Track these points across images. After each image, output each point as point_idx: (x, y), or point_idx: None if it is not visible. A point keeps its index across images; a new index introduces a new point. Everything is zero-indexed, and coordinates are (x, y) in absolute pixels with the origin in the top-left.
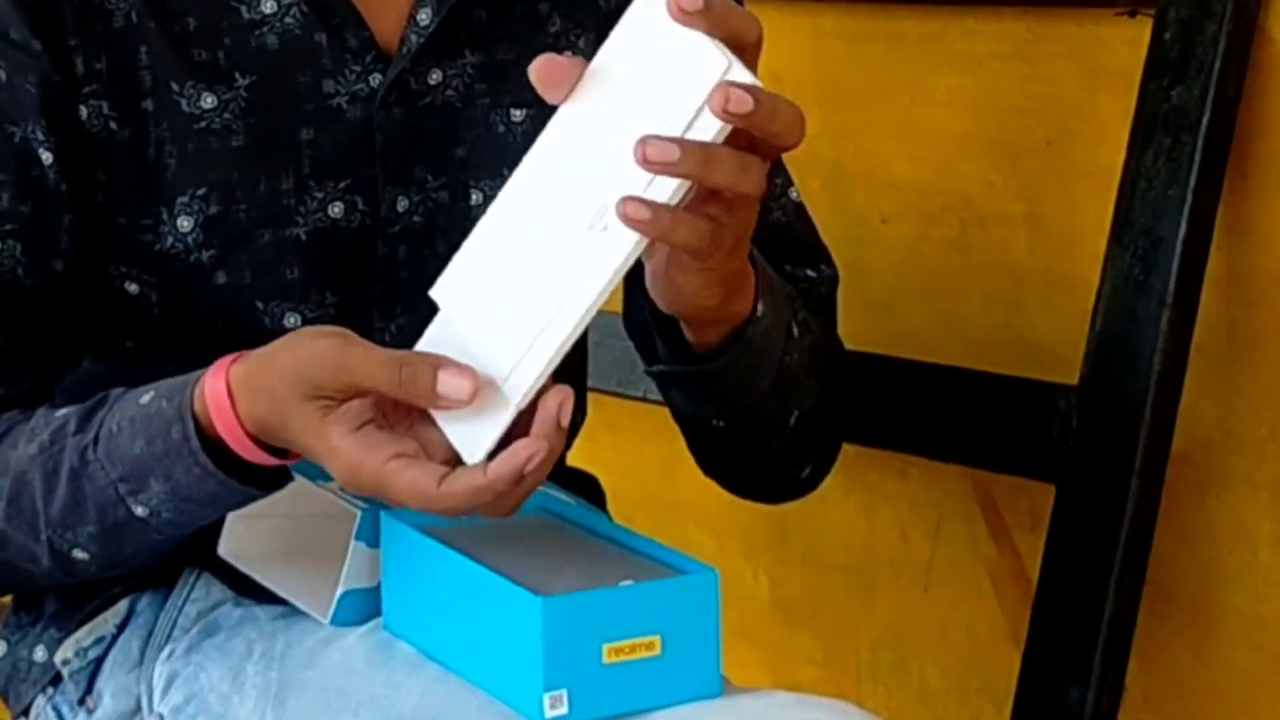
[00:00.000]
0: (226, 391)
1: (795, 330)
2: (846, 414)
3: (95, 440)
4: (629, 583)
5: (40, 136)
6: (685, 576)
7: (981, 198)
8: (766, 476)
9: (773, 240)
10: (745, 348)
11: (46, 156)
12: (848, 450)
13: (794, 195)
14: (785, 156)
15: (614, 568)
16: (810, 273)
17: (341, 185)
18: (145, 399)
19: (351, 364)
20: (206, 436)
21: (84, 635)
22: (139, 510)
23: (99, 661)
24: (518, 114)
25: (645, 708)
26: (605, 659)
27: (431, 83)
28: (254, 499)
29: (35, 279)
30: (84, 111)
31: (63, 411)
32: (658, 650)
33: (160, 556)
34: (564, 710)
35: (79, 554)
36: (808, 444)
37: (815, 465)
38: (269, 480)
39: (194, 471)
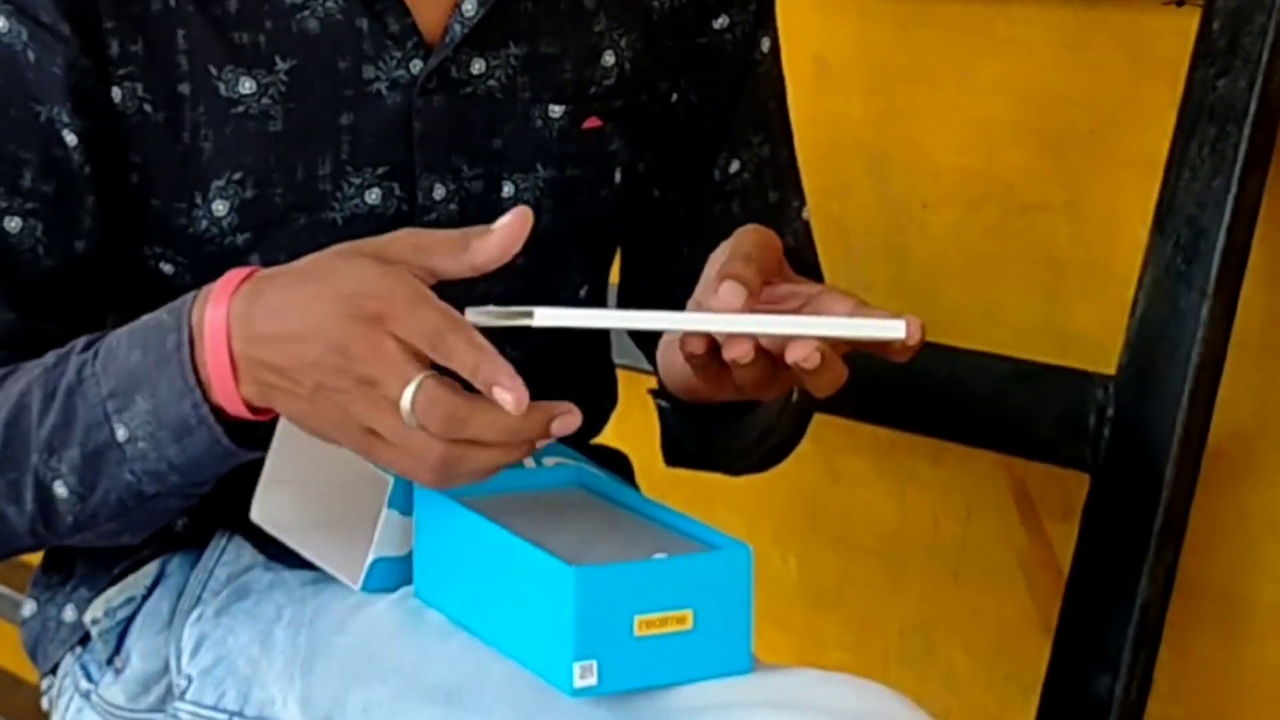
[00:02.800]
0: (225, 316)
1: (793, 394)
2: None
3: (95, 354)
4: (662, 556)
5: (65, 119)
6: (718, 552)
7: (1024, 185)
8: (712, 469)
9: None
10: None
11: (71, 138)
12: (881, 435)
13: (805, 215)
14: (829, 140)
15: (647, 541)
16: None
17: (379, 171)
18: (150, 315)
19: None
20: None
21: (114, 595)
22: (120, 432)
23: (128, 622)
24: (556, 109)
25: (675, 681)
26: (636, 631)
27: (474, 72)
28: (224, 454)
29: (57, 259)
30: (118, 94)
31: (78, 341)
32: (689, 624)
33: (132, 524)
34: (593, 681)
35: (59, 488)
36: (767, 459)
37: (757, 468)
38: (244, 436)
39: (176, 384)
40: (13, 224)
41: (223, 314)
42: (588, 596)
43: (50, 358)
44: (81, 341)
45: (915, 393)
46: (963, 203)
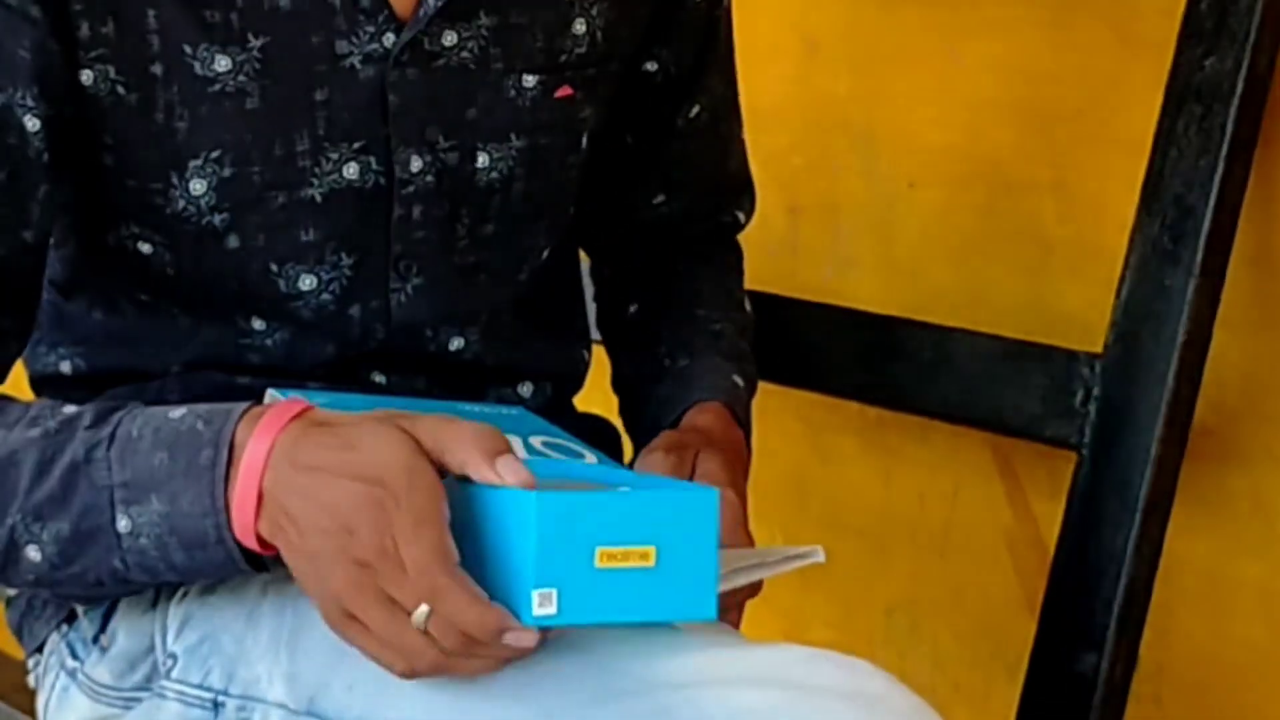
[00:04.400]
0: (267, 452)
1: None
2: None
3: (110, 439)
4: (626, 489)
5: (30, 103)
6: (684, 491)
7: (1011, 164)
8: None
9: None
10: None
11: (32, 124)
12: (868, 413)
13: (743, 135)
14: (817, 119)
15: (616, 483)
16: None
17: (355, 146)
18: (176, 415)
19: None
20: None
21: None
22: (122, 523)
23: (113, 600)
24: (529, 79)
25: (636, 619)
26: (597, 563)
27: (446, 44)
28: (233, 571)
29: (3, 249)
30: (88, 76)
31: (72, 407)
32: (651, 561)
33: (87, 599)
34: (552, 610)
35: (32, 552)
36: None
37: None
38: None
39: (203, 501)
40: None
41: (265, 449)
42: (549, 523)
43: (50, 418)
44: (89, 413)
45: (902, 371)
46: (950, 182)
